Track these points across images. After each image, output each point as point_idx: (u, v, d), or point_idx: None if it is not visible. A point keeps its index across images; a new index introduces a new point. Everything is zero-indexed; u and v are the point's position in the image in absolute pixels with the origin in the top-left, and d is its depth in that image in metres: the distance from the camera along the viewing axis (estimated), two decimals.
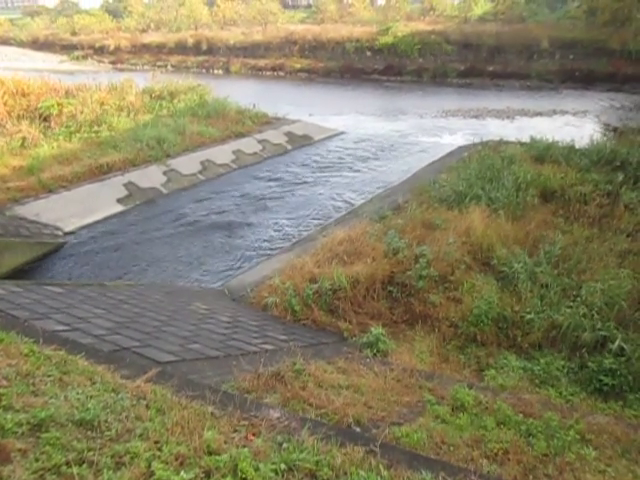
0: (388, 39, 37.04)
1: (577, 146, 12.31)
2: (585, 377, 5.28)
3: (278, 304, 6.61)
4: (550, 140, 12.69)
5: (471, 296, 6.36)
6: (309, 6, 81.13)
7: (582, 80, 30.06)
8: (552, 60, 32.73)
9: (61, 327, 4.92)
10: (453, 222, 8.08)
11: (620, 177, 9.92)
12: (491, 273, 6.99)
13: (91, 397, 3.10)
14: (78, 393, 3.12)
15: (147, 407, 3.12)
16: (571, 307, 5.98)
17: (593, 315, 5.80)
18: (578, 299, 6.11)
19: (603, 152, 11.39)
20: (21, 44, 71.12)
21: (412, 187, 11.12)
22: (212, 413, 3.21)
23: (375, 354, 5.54)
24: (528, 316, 5.98)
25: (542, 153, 11.78)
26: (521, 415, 4.30)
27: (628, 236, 7.96)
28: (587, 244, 7.59)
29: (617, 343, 5.39)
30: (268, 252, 9.60)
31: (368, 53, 37.87)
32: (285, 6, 74.35)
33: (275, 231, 10.65)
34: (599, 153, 11.39)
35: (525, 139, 13.42)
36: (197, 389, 3.60)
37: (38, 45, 67.26)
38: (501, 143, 13.65)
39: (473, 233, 7.57)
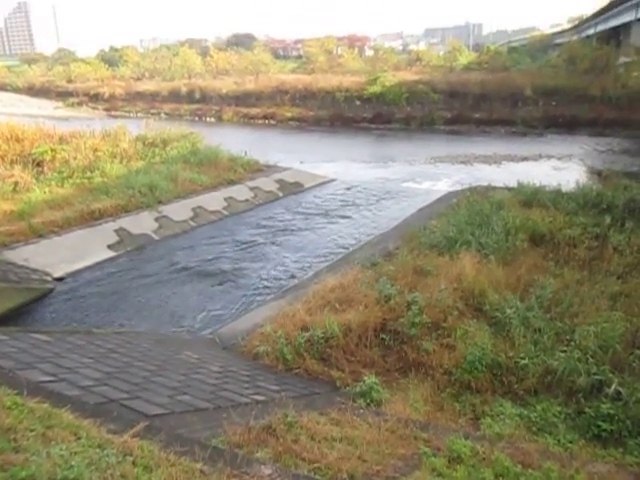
0: (377, 88, 38.05)
1: (564, 190, 12.52)
2: (583, 423, 5.18)
3: (270, 353, 6.51)
4: (537, 184, 12.90)
5: (464, 343, 6.30)
6: (300, 57, 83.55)
7: (566, 125, 30.91)
8: (536, 107, 33.70)
9: (47, 378, 4.80)
10: (444, 268, 8.09)
11: (607, 220, 10.05)
12: (484, 319, 6.95)
13: (75, 453, 2.99)
14: (62, 449, 3.00)
15: (134, 464, 3.01)
16: (565, 351, 5.94)
17: (588, 359, 5.75)
18: (572, 343, 6.08)
19: (589, 195, 11.58)
20: (17, 90, 72.18)
21: (403, 233, 11.18)
22: (201, 470, 3.09)
23: (369, 404, 5.43)
24: (522, 362, 5.92)
25: (530, 198, 11.95)
26: (520, 466, 4.18)
27: (618, 278, 8.00)
28: (578, 287, 7.61)
29: (613, 387, 5.33)
30: (259, 299, 9.54)
31: (357, 102, 38.82)
32: (277, 56, 76.70)
33: (266, 279, 10.59)
34: (585, 196, 11.58)
35: (513, 184, 13.63)
36: (186, 444, 3.48)
37: (34, 91, 68.34)
38: (489, 188, 13.85)
39: (464, 279, 7.57)
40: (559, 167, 21.31)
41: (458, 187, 16.42)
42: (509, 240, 9.26)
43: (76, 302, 9.55)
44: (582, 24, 59.54)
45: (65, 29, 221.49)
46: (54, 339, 6.31)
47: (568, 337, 6.26)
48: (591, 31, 54.82)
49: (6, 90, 73.60)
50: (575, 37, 57.59)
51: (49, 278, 10.31)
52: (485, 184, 14.80)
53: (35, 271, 10.32)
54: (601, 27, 51.35)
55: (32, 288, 9.76)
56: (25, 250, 10.76)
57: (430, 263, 8.42)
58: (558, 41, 63.57)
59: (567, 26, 69.72)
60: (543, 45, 63.96)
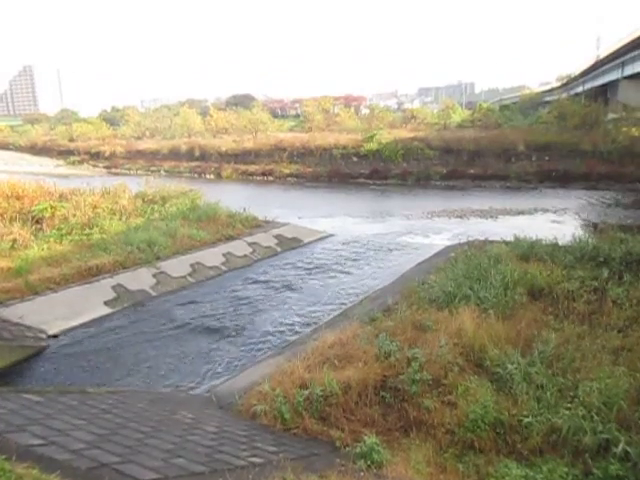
0: (373, 145, 38.93)
1: (560, 243, 12.59)
2: None
3: (267, 412, 6.35)
4: (534, 238, 12.97)
5: (466, 400, 6.16)
6: (298, 116, 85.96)
7: (559, 180, 31.48)
8: (529, 162, 34.43)
9: (37, 441, 4.65)
10: (444, 323, 8.03)
11: (605, 273, 10.05)
12: (485, 375, 6.83)
13: None
14: None
15: None
16: (569, 408, 5.80)
17: (593, 417, 5.60)
18: (576, 400, 5.94)
19: (586, 249, 11.62)
20: (20, 149, 73.71)
21: (401, 288, 11.16)
22: None
23: (369, 466, 5.25)
24: (526, 420, 5.77)
25: (527, 251, 11.99)
26: None
27: (619, 332, 7.92)
28: (579, 341, 7.52)
29: (621, 447, 5.17)
30: (257, 355, 9.40)
31: (354, 158, 39.61)
32: (275, 116, 78.73)
33: (264, 335, 10.48)
34: (582, 250, 11.62)
35: (509, 238, 13.71)
36: None
37: (36, 150, 69.72)
38: (486, 242, 13.93)
39: (464, 334, 7.50)
40: (555, 220, 21.54)
41: (456, 241, 16.52)
42: (508, 294, 9.22)
43: (70, 360, 9.40)
44: (570, 82, 61.60)
45: (69, 90, 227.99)
46: (46, 399, 6.17)
47: (572, 393, 6.13)
48: (579, 89, 56.68)
49: (9, 149, 75.25)
50: (564, 95, 59.52)
51: (43, 335, 10.19)
52: (482, 238, 14.89)
53: (29, 328, 10.21)
54: (589, 85, 53.15)
55: (25, 346, 9.63)
56: (20, 307, 10.68)
57: (429, 318, 8.36)
58: (548, 99, 65.63)
59: (556, 84, 72.06)
60: (533, 102, 65.94)
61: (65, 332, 10.47)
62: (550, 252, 11.70)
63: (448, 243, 16.73)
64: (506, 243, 13.34)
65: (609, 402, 5.79)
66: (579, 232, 14.74)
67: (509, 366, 6.65)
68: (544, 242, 12.67)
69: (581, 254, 11.38)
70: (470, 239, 14.99)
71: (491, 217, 22.70)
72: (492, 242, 13.92)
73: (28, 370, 9.10)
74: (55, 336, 10.27)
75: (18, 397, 6.08)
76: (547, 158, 34.06)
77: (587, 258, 11.17)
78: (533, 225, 18.94)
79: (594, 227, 18.80)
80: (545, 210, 23.81)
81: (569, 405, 5.88)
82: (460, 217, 22.95)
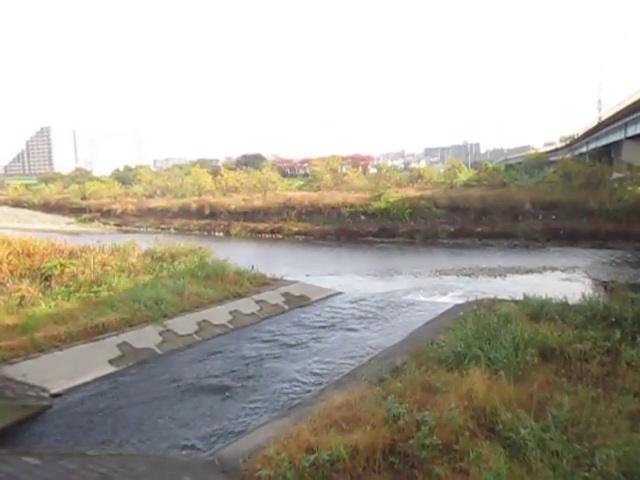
0: (381, 204, 39.42)
1: (570, 302, 12.43)
2: None
3: (272, 477, 6.12)
4: (543, 297, 12.83)
5: (478, 467, 5.92)
6: (306, 175, 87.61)
7: (567, 238, 31.48)
8: (536, 220, 34.61)
9: None
10: (453, 385, 7.84)
11: (617, 334, 9.86)
12: (497, 440, 6.59)
13: None
14: None
15: None
16: (587, 478, 5.55)
17: None
18: (593, 469, 5.69)
19: (597, 308, 11.45)
20: (33, 207, 75.26)
21: (410, 348, 10.98)
22: None
23: None
24: None
25: (537, 311, 11.83)
26: None
27: (635, 396, 7.68)
28: (594, 406, 7.29)
29: None
30: (262, 417, 9.18)
31: (362, 217, 40.04)
32: (284, 175, 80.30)
33: (271, 394, 10.27)
34: (593, 309, 11.45)
35: (518, 296, 13.58)
36: None
37: (49, 208, 71.12)
38: (495, 301, 13.79)
39: (475, 396, 7.30)
40: (564, 279, 21.39)
41: (464, 300, 16.38)
42: (519, 355, 9.04)
43: (71, 420, 9.21)
44: (574, 143, 62.71)
45: (83, 149, 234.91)
46: (45, 462, 6.01)
47: (588, 461, 5.88)
48: (583, 149, 57.62)
49: (23, 207, 76.86)
50: (568, 155, 60.49)
51: (46, 394, 10.02)
52: (491, 297, 14.78)
53: (33, 387, 10.06)
54: (593, 145, 54.03)
55: (27, 405, 9.47)
56: (24, 365, 10.57)
57: (439, 379, 8.17)
58: (552, 159, 66.70)
59: (560, 145, 73.44)
60: (538, 162, 67.00)
61: (68, 391, 10.30)
62: (560, 312, 11.54)
63: (457, 302, 16.58)
64: (515, 302, 13.19)
65: (629, 472, 5.55)
66: (589, 291, 14.62)
67: (522, 431, 6.42)
68: (554, 301, 12.53)
69: (592, 314, 11.21)
70: (479, 298, 14.88)
71: (500, 275, 22.58)
72: (501, 301, 13.79)
73: (28, 430, 8.91)
74: (58, 395, 10.11)
75: (16, 459, 5.94)
76: (554, 217, 34.26)
77: (598, 318, 10.99)
78: (542, 284, 18.79)
79: (604, 286, 18.63)
80: (554, 268, 23.69)
81: (586, 474, 5.63)
82: (468, 275, 22.85)
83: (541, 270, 23.50)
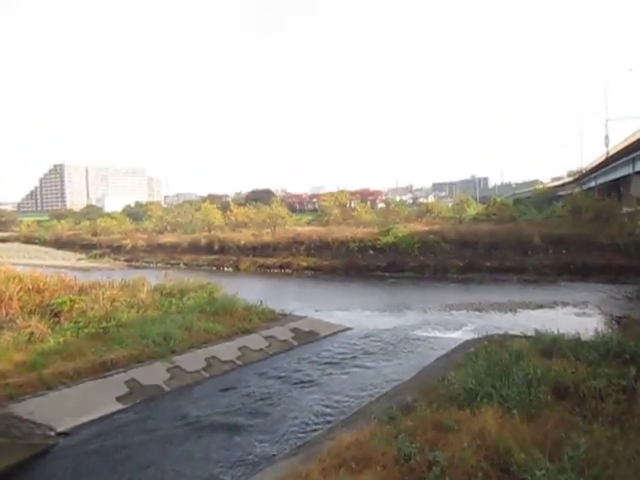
0: (389, 239, 39.41)
1: (583, 338, 12.22)
2: None
3: None
4: (555, 333, 12.65)
5: None
6: (315, 210, 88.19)
7: (577, 272, 31.18)
8: (546, 255, 34.34)
9: None
10: (465, 423, 7.68)
11: (633, 371, 9.65)
12: None
13: None
14: None
15: None
16: None
17: None
18: None
19: (610, 345, 11.24)
20: (45, 243, 76.25)
21: (420, 385, 10.82)
22: None
23: None
24: None
25: (549, 347, 11.63)
26: None
27: None
28: (611, 446, 7.08)
29: None
30: (271, 456, 9.02)
31: (371, 251, 39.96)
32: (293, 210, 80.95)
33: (278, 433, 10.10)
34: (606, 345, 11.23)
35: (530, 332, 13.40)
36: None
37: (60, 244, 71.99)
38: (506, 337, 13.60)
39: (488, 435, 7.13)
40: (576, 314, 21.11)
41: (475, 335, 16.18)
42: (532, 392, 8.86)
43: (77, 460, 9.09)
44: (582, 177, 62.90)
45: (95, 187, 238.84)
46: None
47: None
48: (592, 183, 57.72)
49: (35, 243, 77.82)
50: (577, 189, 60.57)
51: (52, 433, 9.94)
52: (502, 332, 14.59)
53: (39, 425, 9.99)
54: (601, 180, 54.16)
55: (33, 444, 9.40)
56: (31, 403, 10.52)
57: (450, 417, 8.00)
58: (561, 193, 66.79)
59: (568, 179, 73.63)
60: (547, 197, 67.07)
61: (75, 429, 10.20)
62: (573, 348, 11.34)
63: (467, 337, 16.38)
64: (527, 338, 13.01)
65: None
66: (602, 327, 14.39)
67: (537, 472, 6.25)
68: (566, 337, 12.33)
69: (606, 350, 11.00)
70: (490, 333, 14.69)
71: (510, 310, 22.32)
72: (512, 337, 13.60)
73: (33, 470, 8.81)
74: (64, 433, 10.01)
75: None
76: (564, 251, 34.01)
77: (612, 355, 10.78)
78: (554, 319, 18.54)
79: (617, 321, 18.35)
80: (565, 303, 23.41)
81: None
82: (479, 310, 22.62)
83: (552, 305, 23.23)
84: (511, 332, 14.37)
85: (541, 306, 23.02)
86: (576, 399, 8.88)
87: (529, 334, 13.28)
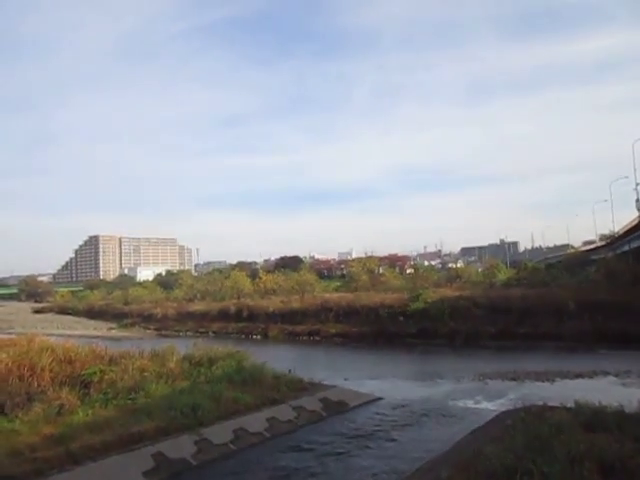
0: (419, 304, 38.86)
1: (627, 410, 11.63)
2: None
3: None
4: (597, 404, 12.09)
5: None
6: (343, 276, 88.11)
7: (617, 340, 29.84)
8: (581, 321, 33.08)
9: None
10: None
11: None
12: None
13: None
14: None
15: None
16: None
17: None
18: None
19: None
20: (77, 313, 77.60)
21: (455, 459, 10.36)
22: None
23: None
24: None
25: (591, 419, 11.09)
26: None
27: None
28: None
29: None
30: None
31: (400, 318, 39.31)
32: (321, 276, 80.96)
33: None
34: None
35: (569, 403, 12.83)
36: None
37: (93, 314, 73.14)
38: (545, 408, 13.03)
39: None
40: (618, 384, 20.16)
41: (511, 406, 15.56)
42: (575, 470, 8.38)
43: None
44: (616, 241, 61.62)
45: (128, 257, 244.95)
46: None
47: None
48: (626, 247, 56.42)
49: (68, 313, 79.35)
50: (610, 253, 59.28)
51: None
52: (540, 403, 13.99)
53: None
54: (635, 244, 52.96)
55: None
56: (58, 479, 10.41)
57: None
58: (594, 257, 65.39)
59: (600, 243, 72.27)
60: (579, 261, 65.70)
61: None
62: (617, 421, 10.79)
63: (503, 408, 15.76)
64: (567, 409, 12.44)
65: None
66: None
67: None
68: (609, 409, 11.75)
69: None
70: (527, 404, 14.10)
71: (547, 380, 21.43)
72: (551, 408, 13.02)
73: None
74: None
75: None
76: (601, 317, 32.80)
77: None
78: (594, 389, 17.75)
79: None
80: (605, 373, 22.39)
81: None
82: (514, 379, 21.80)
83: (591, 374, 22.23)
84: (550, 403, 13.77)
85: (580, 375, 22.07)
86: (623, 477, 8.36)
87: (569, 405, 12.74)
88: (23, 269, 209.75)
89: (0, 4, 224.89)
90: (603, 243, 69.99)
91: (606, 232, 69.41)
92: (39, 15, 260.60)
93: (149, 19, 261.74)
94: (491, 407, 16.86)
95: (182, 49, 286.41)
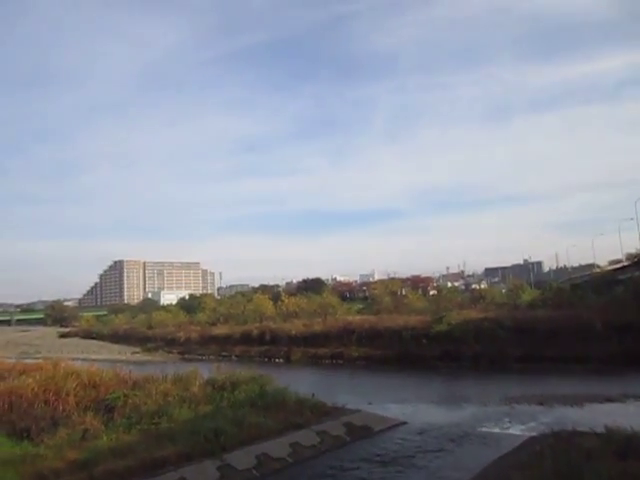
0: (443, 327, 38.38)
1: None
2: None
3: None
4: (629, 430, 11.73)
5: None
6: (365, 298, 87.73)
7: None
8: (610, 343, 32.20)
9: None
10: None
11: None
12: None
13: None
14: None
15: None
16: None
17: None
18: None
19: None
20: (102, 337, 78.61)
21: None
22: None
23: None
24: None
25: (623, 446, 10.75)
26: None
27: None
28: None
29: None
30: None
31: (424, 340, 38.80)
32: (343, 299, 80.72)
33: None
34: None
35: (600, 428, 12.48)
36: None
37: (117, 338, 73.99)
38: (574, 434, 12.71)
39: None
40: None
41: (539, 432, 15.18)
42: None
43: None
44: None
45: (152, 281, 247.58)
46: None
47: None
48: None
49: (92, 337, 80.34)
50: (638, 273, 57.88)
51: None
52: (569, 428, 13.62)
53: None
54: None
55: None
56: None
57: None
58: (621, 277, 63.95)
59: (626, 262, 70.71)
60: (606, 281, 64.21)
61: None
62: None
63: (531, 434, 15.37)
64: (597, 435, 12.11)
65: None
66: None
67: None
68: None
69: None
70: (555, 429, 13.75)
71: (576, 404, 20.84)
72: (581, 434, 12.68)
73: None
74: None
75: None
76: (630, 339, 31.91)
77: None
78: (625, 414, 17.23)
79: None
80: (637, 397, 21.70)
81: None
82: (541, 404, 21.26)
83: (622, 398, 21.56)
84: (579, 428, 13.41)
85: (610, 399, 21.44)
86: None
87: (599, 431, 12.39)
88: (50, 294, 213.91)
89: (33, 37, 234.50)
90: (630, 262, 68.50)
91: (632, 251, 67.93)
92: (68, 47, 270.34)
93: (173, 48, 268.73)
94: (519, 432, 16.45)
95: (204, 76, 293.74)
